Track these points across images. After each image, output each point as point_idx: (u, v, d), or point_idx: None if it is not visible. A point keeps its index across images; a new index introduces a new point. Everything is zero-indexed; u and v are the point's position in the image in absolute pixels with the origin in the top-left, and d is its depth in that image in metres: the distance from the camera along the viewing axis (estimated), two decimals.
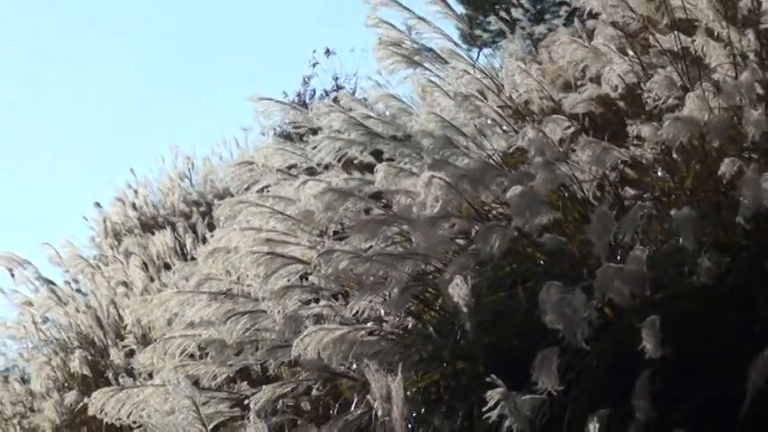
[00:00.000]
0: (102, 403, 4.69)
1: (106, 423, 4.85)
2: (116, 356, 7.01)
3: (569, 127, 4.73)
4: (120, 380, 6.41)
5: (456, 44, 4.94)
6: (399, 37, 4.81)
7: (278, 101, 5.33)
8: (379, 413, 3.81)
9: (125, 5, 28.17)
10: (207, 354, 4.83)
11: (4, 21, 26.08)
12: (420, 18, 4.81)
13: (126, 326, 7.19)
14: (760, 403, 3.53)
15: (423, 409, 4.27)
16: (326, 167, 4.90)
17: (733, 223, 4.01)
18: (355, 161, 4.94)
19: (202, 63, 27.14)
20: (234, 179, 5.19)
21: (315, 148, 4.80)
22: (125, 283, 8.37)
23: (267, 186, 5.04)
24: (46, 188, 23.34)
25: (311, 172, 4.91)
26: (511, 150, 4.79)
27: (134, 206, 12.67)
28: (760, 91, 4.33)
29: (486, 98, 4.91)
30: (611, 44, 4.82)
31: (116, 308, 7.97)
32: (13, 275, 8.20)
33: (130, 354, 6.65)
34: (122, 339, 7.17)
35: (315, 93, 14.10)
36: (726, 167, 4.09)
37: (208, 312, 4.76)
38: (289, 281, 4.60)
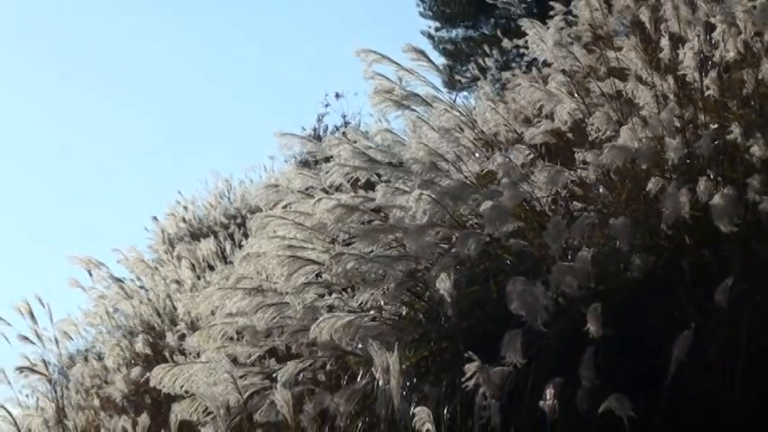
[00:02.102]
0: (160, 377, 4.68)
1: (164, 393, 4.85)
2: (171, 339, 6.99)
3: (529, 154, 4.73)
4: (175, 358, 6.40)
5: (438, 89, 4.92)
6: (391, 86, 4.79)
7: (297, 135, 5.32)
8: (380, 383, 3.83)
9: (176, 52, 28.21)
10: (242, 337, 4.83)
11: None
12: (407, 70, 4.80)
13: (179, 315, 7.20)
14: (681, 373, 3.54)
15: (415, 379, 4.25)
16: (337, 188, 4.88)
17: (658, 229, 4.02)
18: (360, 182, 4.93)
19: (240, 105, 27.24)
20: (263, 198, 5.19)
21: (327, 172, 4.77)
22: (177, 281, 8.36)
23: (289, 203, 5.03)
24: (114, 206, 23.41)
25: (325, 192, 4.90)
26: (483, 173, 4.78)
27: (184, 219, 12.65)
28: (678, 124, 4.34)
29: (463, 131, 4.91)
30: (562, 88, 4.82)
31: (171, 301, 7.97)
32: (91, 275, 8.23)
33: (182, 337, 6.63)
34: (176, 326, 7.16)
35: (327, 128, 14.07)
36: (652, 185, 4.10)
37: (243, 304, 4.74)
38: (307, 278, 4.58)
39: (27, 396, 7.51)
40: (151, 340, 7.45)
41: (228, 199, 13.15)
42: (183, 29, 28.46)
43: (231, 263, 7.24)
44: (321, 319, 4.28)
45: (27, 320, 7.42)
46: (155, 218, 12.60)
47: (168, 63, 27.56)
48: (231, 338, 4.84)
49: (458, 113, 4.90)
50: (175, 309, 7.58)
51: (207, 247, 9.15)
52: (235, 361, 4.67)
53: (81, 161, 25.31)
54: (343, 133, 6.03)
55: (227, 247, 9.20)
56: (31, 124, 26.35)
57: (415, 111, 4.86)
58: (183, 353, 6.34)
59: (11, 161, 24.03)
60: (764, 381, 3.63)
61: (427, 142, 4.78)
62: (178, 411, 4.63)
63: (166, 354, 6.92)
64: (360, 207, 4.66)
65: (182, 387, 4.62)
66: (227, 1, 28.45)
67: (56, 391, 7.16)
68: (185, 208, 12.93)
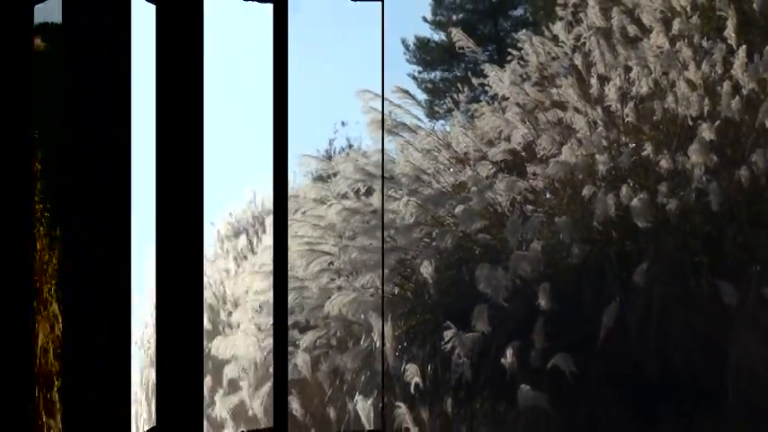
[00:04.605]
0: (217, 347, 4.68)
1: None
2: (223, 316, 6.93)
3: (492, 168, 4.70)
4: (225, 331, 6.34)
5: (420, 119, 4.90)
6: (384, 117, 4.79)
7: (312, 156, 5.30)
8: (378, 345, 3.82)
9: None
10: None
11: None
12: (396, 105, 4.78)
13: (228, 296, 7.13)
14: (609, 337, 3.53)
15: (405, 343, 4.23)
16: (344, 196, 4.86)
17: (591, 226, 4.01)
18: (361, 192, 4.91)
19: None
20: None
21: (336, 184, 4.77)
22: (226, 270, 8.30)
23: (307, 210, 4.99)
24: None
25: (334, 199, 4.87)
26: (457, 183, 4.74)
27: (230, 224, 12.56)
28: (605, 144, 4.33)
29: (440, 151, 4.89)
30: (516, 117, 4.78)
31: (223, 286, 7.90)
32: None
33: (230, 314, 6.59)
34: (226, 305, 7.10)
35: (336, 149, 14.00)
36: (586, 191, 4.08)
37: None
38: (321, 267, 4.55)
39: None
40: (210, 318, 7.39)
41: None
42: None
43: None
44: (333, 297, 4.27)
45: None
46: (212, 223, 12.54)
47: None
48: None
49: (436, 138, 4.88)
50: (226, 292, 7.53)
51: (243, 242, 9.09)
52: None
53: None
54: (348, 154, 6.01)
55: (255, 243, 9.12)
56: None
57: (403, 136, 4.84)
58: (230, 326, 6.28)
59: None
60: (671, 342, 3.63)
61: (412, 160, 4.76)
62: (227, 371, 4.62)
63: (220, 328, 6.87)
64: (361, 210, 4.64)
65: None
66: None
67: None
68: (230, 214, 12.86)
